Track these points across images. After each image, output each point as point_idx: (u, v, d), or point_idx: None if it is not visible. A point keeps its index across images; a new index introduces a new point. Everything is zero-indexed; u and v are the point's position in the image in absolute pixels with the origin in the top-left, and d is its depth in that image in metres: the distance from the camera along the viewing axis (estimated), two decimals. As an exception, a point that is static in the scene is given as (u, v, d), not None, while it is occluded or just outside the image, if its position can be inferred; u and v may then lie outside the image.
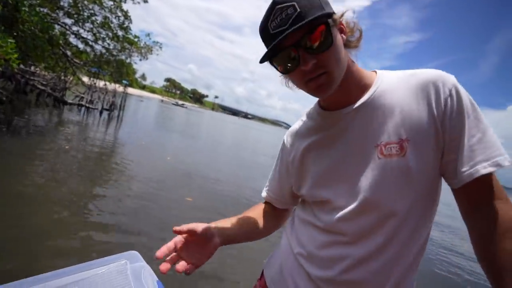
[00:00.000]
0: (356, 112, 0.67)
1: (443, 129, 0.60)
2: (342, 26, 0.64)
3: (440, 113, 0.59)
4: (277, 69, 0.64)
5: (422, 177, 0.60)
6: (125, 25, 12.38)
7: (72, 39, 12.41)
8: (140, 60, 14.60)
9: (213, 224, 0.73)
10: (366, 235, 0.63)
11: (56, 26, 11.04)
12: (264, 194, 0.92)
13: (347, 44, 0.66)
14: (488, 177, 0.58)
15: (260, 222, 0.85)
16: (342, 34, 0.64)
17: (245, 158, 11.11)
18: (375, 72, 0.71)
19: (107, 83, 14.38)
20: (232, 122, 61.06)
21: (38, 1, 7.91)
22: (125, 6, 12.44)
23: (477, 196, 0.59)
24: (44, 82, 12.15)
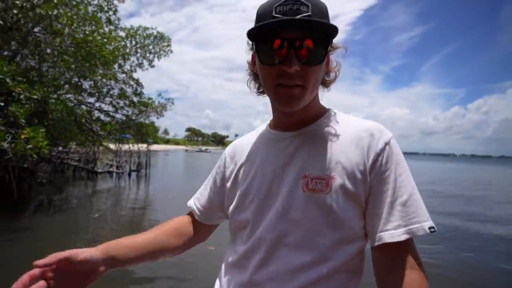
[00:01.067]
0: (297, 138, 0.67)
1: (371, 182, 0.59)
2: (328, 59, 0.65)
3: (370, 164, 0.60)
4: (256, 53, 0.61)
5: (343, 219, 0.59)
6: (138, 91, 13.65)
7: (97, 114, 13.86)
8: (157, 118, 15.82)
9: (102, 247, 0.64)
10: (282, 273, 0.60)
11: (83, 107, 12.46)
12: (190, 202, 0.86)
13: (323, 79, 0.67)
14: (403, 243, 0.55)
15: (174, 238, 0.76)
16: (326, 66, 0.65)
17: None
18: (329, 109, 0.73)
19: (131, 145, 15.46)
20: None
21: (64, 91, 9.08)
22: (135, 75, 13.88)
23: (390, 260, 0.57)
24: (77, 158, 13.30)
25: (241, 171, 0.73)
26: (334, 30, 0.57)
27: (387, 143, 0.61)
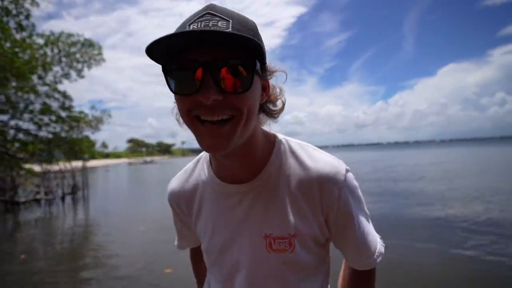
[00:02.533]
0: (248, 194, 0.61)
1: (331, 229, 0.62)
2: (266, 85, 0.57)
3: (327, 215, 0.60)
4: (165, 79, 0.49)
5: (309, 265, 0.62)
6: (66, 105, 12.06)
7: (13, 133, 11.73)
8: (93, 133, 14.18)
9: None
10: None
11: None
12: (177, 244, 0.83)
13: (265, 109, 0.60)
14: (368, 271, 0.67)
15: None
16: (263, 92, 0.57)
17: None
18: (275, 137, 0.65)
19: (62, 164, 13.60)
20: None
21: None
22: (62, 87, 12.25)
23: (358, 278, 0.68)
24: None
25: (197, 226, 0.70)
26: (257, 47, 0.47)
27: (340, 189, 0.58)
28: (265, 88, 0.57)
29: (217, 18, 0.47)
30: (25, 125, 11.75)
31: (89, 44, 12.19)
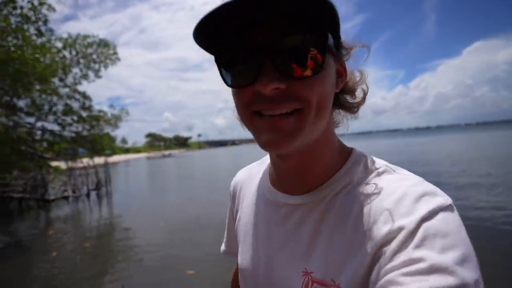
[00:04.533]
0: (298, 209, 0.49)
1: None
2: (342, 69, 0.47)
3: (383, 263, 0.38)
4: (220, 72, 0.43)
5: None
6: (86, 105, 12.53)
7: (40, 134, 12.37)
8: (113, 130, 14.68)
9: None
10: None
11: (21, 129, 11.04)
12: (223, 248, 0.75)
13: (341, 101, 0.49)
14: None
15: None
16: (338, 79, 0.46)
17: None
18: (352, 150, 0.51)
19: (85, 161, 14.23)
20: (222, 154, 60.97)
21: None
22: (81, 88, 12.74)
23: None
24: (20, 189, 11.87)
25: (238, 227, 0.62)
26: (330, 13, 0.36)
27: (425, 218, 0.36)
28: (341, 72, 0.46)
29: None
30: (50, 126, 12.37)
31: (104, 44, 12.50)
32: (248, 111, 0.42)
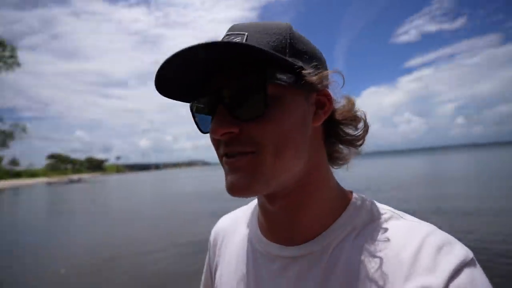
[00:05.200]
0: (297, 260, 0.43)
1: None
2: (324, 98, 0.43)
3: None
4: (193, 118, 0.45)
5: None
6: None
7: None
8: (-1, 150, 11.47)
9: None
10: None
11: None
12: None
13: (337, 134, 0.45)
14: None
15: None
16: (319, 110, 0.43)
17: (173, 223, 9.86)
18: (352, 194, 0.47)
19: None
20: (143, 180, 55.64)
21: None
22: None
23: None
24: None
25: (220, 285, 0.53)
26: (279, 50, 0.39)
27: (451, 278, 0.33)
28: (323, 102, 0.43)
29: (234, 35, 0.40)
30: None
31: (-2, 44, 10.14)
32: (219, 154, 0.42)
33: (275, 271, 0.45)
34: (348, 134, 0.45)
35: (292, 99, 0.40)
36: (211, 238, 0.61)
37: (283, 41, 0.40)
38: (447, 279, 0.33)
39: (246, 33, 0.39)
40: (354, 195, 0.47)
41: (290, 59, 0.39)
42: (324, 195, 0.44)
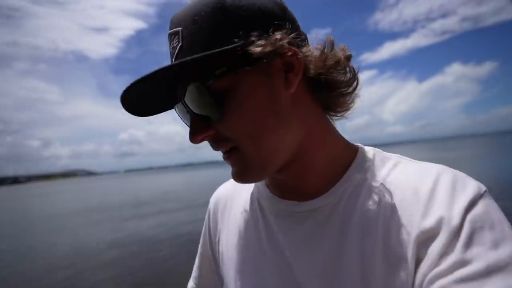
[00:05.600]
0: (312, 213, 0.43)
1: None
2: (291, 58, 0.38)
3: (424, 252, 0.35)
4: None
5: None
6: None
7: None
8: None
9: None
10: None
11: None
12: (191, 284, 0.63)
13: (324, 87, 0.41)
14: None
15: None
16: (290, 74, 0.39)
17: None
18: (357, 148, 0.47)
19: None
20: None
21: None
22: None
23: None
24: None
25: (223, 252, 0.53)
26: (207, 60, 0.35)
27: (467, 209, 0.34)
28: (291, 64, 0.39)
29: (173, 35, 0.39)
30: None
31: None
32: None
33: (289, 227, 0.44)
34: (335, 82, 0.41)
35: (246, 83, 0.37)
36: (211, 206, 0.59)
37: (214, 23, 0.36)
38: (464, 211, 0.34)
39: (181, 29, 0.38)
40: (360, 145, 0.47)
41: (225, 43, 0.35)
42: (328, 151, 0.44)
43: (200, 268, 0.61)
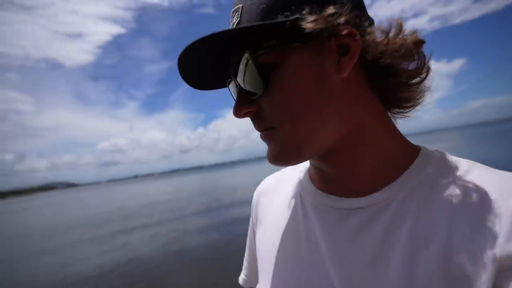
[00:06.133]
0: (361, 212, 0.40)
1: None
2: (348, 40, 0.35)
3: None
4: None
5: None
6: None
7: None
8: None
9: None
10: None
11: None
12: (243, 278, 0.63)
13: (385, 75, 0.37)
14: None
15: None
16: (344, 57, 0.36)
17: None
18: (419, 148, 0.42)
19: None
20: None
21: None
22: None
23: None
24: None
25: (262, 244, 0.52)
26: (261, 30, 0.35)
27: None
28: (347, 46, 0.35)
29: (234, 12, 0.39)
30: None
31: None
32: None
33: (330, 223, 0.42)
34: (397, 69, 0.37)
35: (293, 60, 0.35)
36: (254, 200, 0.59)
37: (269, 11, 0.35)
38: None
39: (241, 5, 0.37)
40: (424, 146, 0.43)
41: (280, 16, 0.34)
42: (382, 148, 0.40)
43: (248, 260, 0.62)
